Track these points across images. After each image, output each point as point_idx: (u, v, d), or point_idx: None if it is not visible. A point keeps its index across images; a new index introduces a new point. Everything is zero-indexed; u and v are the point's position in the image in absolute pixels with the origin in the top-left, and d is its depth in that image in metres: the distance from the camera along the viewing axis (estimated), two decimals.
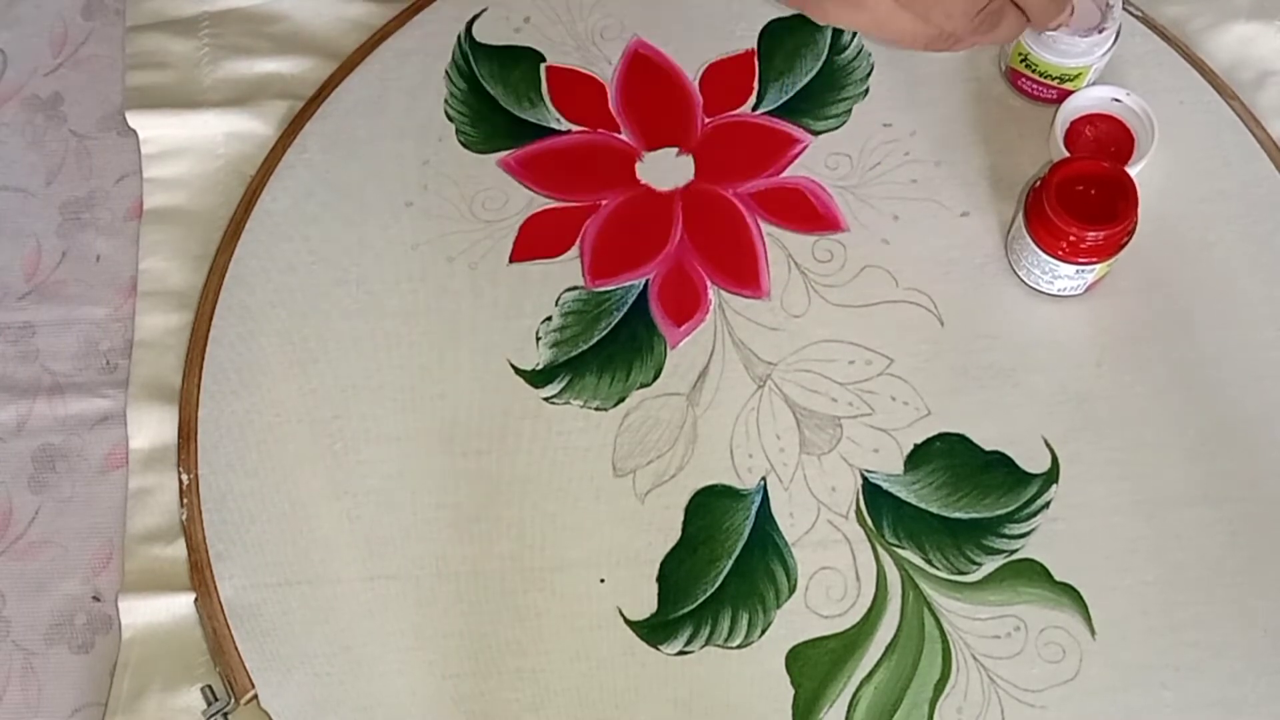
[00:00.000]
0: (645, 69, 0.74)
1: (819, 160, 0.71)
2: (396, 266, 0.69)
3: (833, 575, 0.62)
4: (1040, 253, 0.65)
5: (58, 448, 0.67)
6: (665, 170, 0.71)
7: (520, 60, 0.74)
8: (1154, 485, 0.64)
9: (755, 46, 0.74)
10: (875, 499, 0.64)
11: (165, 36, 0.75)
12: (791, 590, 0.62)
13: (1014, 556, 0.62)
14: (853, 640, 0.61)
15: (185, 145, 0.72)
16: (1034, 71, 0.70)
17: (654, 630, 0.62)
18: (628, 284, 0.69)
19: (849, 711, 0.60)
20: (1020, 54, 0.70)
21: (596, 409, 0.66)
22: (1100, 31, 0.67)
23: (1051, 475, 0.64)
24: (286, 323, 0.68)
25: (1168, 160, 0.69)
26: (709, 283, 0.69)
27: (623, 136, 0.72)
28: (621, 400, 0.66)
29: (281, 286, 0.69)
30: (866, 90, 0.73)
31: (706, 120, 0.73)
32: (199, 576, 0.63)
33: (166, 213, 0.71)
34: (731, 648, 0.61)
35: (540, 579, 0.63)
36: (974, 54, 0.73)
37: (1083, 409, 0.65)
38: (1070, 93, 0.70)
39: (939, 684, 0.60)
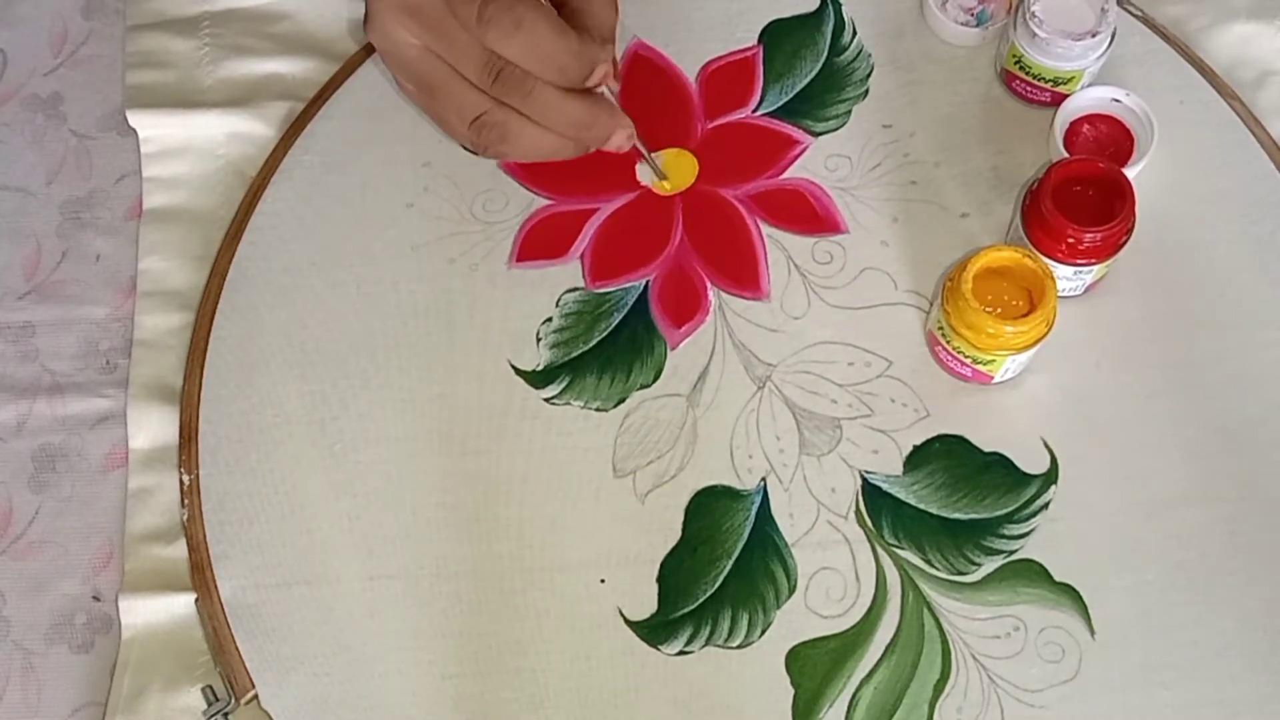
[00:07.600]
0: (645, 70, 0.74)
1: (819, 162, 0.71)
2: (397, 268, 0.69)
3: (832, 576, 0.62)
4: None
5: (58, 448, 0.67)
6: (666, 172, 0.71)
7: None
8: (1154, 485, 0.64)
9: (755, 48, 0.75)
10: (875, 500, 0.64)
11: (166, 36, 0.75)
12: (791, 590, 0.62)
13: (1013, 557, 0.62)
14: (852, 640, 0.61)
15: (185, 145, 0.72)
16: (1027, 74, 0.70)
17: (654, 630, 0.62)
18: (628, 285, 0.69)
19: (849, 711, 0.60)
20: (1015, 56, 0.70)
21: (597, 410, 0.66)
22: (1094, 36, 0.67)
23: (1051, 476, 0.64)
24: (287, 323, 0.68)
25: (1167, 160, 0.69)
26: (709, 284, 0.69)
27: None
28: (622, 401, 0.66)
29: (282, 287, 0.69)
30: (866, 91, 0.73)
31: (707, 122, 0.73)
32: (199, 576, 0.63)
33: (166, 213, 0.71)
34: (731, 648, 0.61)
35: (540, 579, 0.63)
36: (973, 55, 0.74)
37: (1082, 409, 0.65)
38: (1064, 96, 0.70)
39: (939, 684, 0.60)
